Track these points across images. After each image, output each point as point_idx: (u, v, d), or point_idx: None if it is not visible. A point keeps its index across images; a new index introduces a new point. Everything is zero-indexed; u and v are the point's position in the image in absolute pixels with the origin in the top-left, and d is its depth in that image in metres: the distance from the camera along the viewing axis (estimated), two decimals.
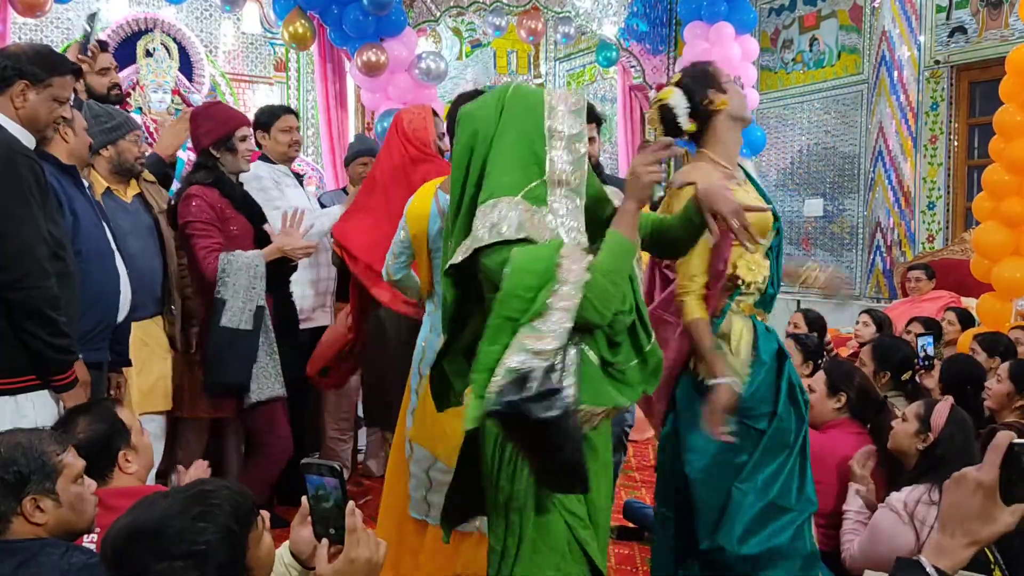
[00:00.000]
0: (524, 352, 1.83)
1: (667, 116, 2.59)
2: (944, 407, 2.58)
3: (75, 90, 3.59)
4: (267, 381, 3.34)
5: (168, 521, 1.38)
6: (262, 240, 3.48)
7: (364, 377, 4.14)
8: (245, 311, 3.28)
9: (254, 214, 3.50)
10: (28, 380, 2.40)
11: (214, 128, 3.44)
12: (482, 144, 2.01)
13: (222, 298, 3.27)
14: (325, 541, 1.52)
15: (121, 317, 2.88)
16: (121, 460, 2.15)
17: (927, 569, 1.24)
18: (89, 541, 1.91)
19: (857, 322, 4.88)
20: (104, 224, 2.88)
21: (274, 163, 3.98)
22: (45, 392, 2.44)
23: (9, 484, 1.73)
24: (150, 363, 3.29)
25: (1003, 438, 1.24)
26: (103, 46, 3.99)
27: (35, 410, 2.38)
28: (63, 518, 1.79)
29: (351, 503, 1.50)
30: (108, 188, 3.24)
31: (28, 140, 2.49)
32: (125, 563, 1.36)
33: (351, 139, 6.58)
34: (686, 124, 2.59)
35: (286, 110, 4.14)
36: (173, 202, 3.49)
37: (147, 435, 2.34)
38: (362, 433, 4.81)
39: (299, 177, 4.27)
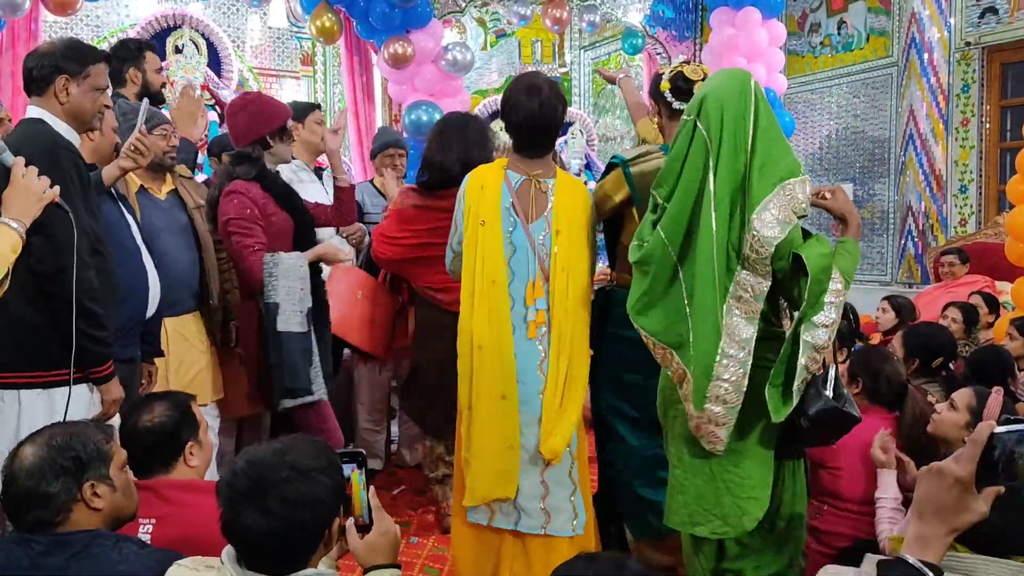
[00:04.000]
0: (810, 348, 2.18)
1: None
2: (996, 402, 2.53)
3: (130, 81, 3.67)
4: (320, 380, 3.29)
5: (288, 449, 1.60)
6: (301, 236, 3.38)
7: (419, 384, 3.79)
8: (298, 313, 3.19)
9: (295, 209, 3.39)
10: (61, 374, 2.42)
11: (273, 116, 3.34)
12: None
13: (275, 302, 3.16)
14: (351, 521, 1.69)
15: (150, 313, 2.91)
16: (187, 451, 2.17)
17: (915, 564, 1.26)
18: (144, 532, 1.94)
19: (878, 308, 4.84)
20: (130, 221, 2.89)
21: (293, 158, 3.92)
22: (76, 387, 2.45)
23: (69, 470, 1.75)
24: (188, 357, 3.32)
25: (983, 431, 1.26)
26: (152, 47, 3.97)
27: (66, 404, 2.40)
28: (117, 503, 1.82)
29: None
30: (142, 186, 3.26)
31: (74, 138, 2.52)
32: (266, 487, 1.53)
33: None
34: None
35: (316, 106, 4.27)
36: (214, 195, 3.40)
37: (210, 433, 2.37)
38: (394, 423, 4.85)
39: (320, 171, 4.29)
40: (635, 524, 3.02)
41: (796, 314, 2.21)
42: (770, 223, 2.16)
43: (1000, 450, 1.26)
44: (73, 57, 2.47)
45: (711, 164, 2.22)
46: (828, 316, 2.19)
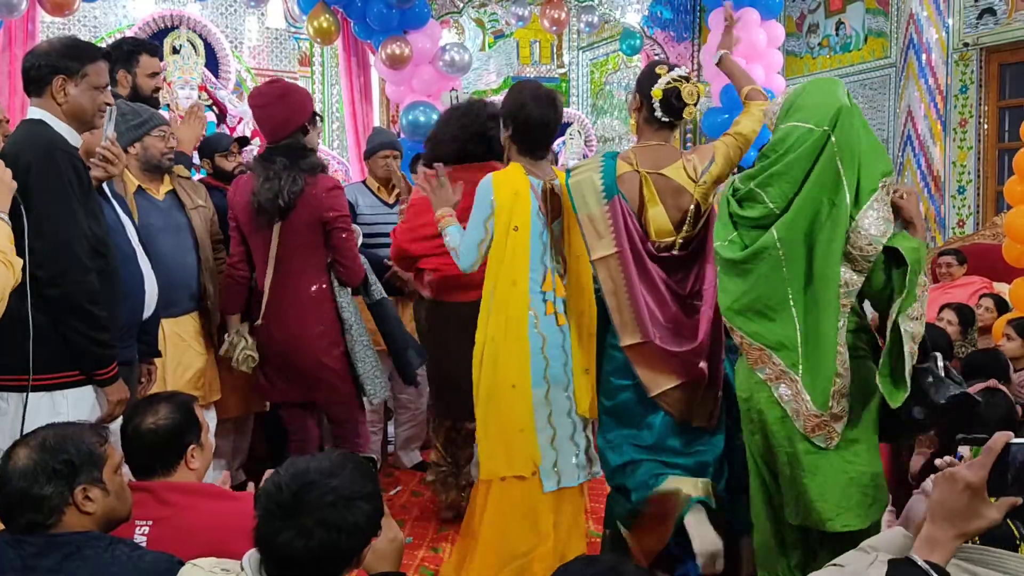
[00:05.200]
0: (910, 339, 2.21)
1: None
2: (975, 388, 2.55)
3: (119, 84, 3.65)
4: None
5: (334, 471, 1.56)
6: None
7: (433, 374, 3.78)
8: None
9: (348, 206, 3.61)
10: (64, 376, 2.42)
11: (306, 103, 3.38)
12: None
13: (384, 297, 3.63)
14: None
15: (147, 315, 2.89)
16: (188, 454, 2.13)
17: (922, 565, 1.29)
18: (140, 534, 1.93)
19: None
20: (126, 222, 2.88)
21: None
22: (80, 389, 2.46)
23: (62, 474, 1.74)
24: (186, 358, 3.32)
25: (999, 440, 1.30)
26: (153, 50, 3.95)
27: (69, 406, 2.40)
28: (110, 507, 1.81)
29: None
30: (140, 187, 3.24)
31: (74, 138, 2.49)
32: (307, 508, 1.51)
33: None
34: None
35: None
36: (293, 190, 3.23)
37: (211, 436, 2.34)
38: (391, 424, 4.84)
39: None
40: (616, 512, 3.03)
41: (895, 304, 2.24)
42: (876, 221, 2.23)
43: (1011, 460, 1.30)
44: (70, 56, 2.45)
45: (849, 179, 2.27)
46: (919, 308, 2.25)
